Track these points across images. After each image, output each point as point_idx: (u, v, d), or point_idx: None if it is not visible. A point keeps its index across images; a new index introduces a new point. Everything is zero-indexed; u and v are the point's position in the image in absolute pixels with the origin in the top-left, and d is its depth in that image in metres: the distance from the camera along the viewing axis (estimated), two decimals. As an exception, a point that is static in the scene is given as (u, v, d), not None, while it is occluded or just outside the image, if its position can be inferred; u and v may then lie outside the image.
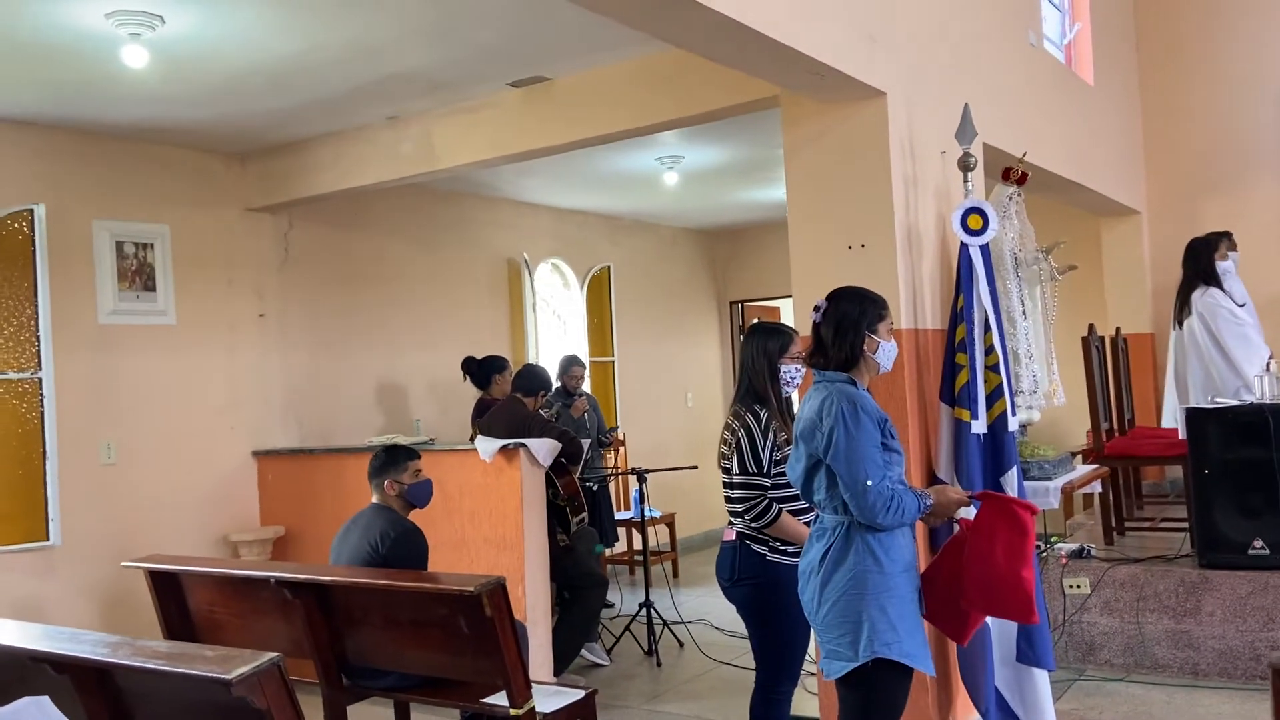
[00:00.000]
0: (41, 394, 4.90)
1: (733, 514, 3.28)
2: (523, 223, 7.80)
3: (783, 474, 3.15)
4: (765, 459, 3.18)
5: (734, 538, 3.34)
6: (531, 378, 5.60)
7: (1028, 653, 3.61)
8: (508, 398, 5.57)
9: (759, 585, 3.27)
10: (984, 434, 3.57)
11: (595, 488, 6.20)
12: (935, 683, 3.62)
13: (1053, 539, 5.27)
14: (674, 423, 9.11)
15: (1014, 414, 3.61)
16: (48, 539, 4.90)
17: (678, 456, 8.15)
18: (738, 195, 8.00)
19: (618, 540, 7.06)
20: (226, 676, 2.43)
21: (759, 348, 3.28)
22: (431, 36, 4.16)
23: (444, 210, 7.14)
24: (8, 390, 4.82)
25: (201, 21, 3.82)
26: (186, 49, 4.06)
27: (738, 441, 3.22)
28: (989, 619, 3.53)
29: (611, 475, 7.43)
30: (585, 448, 5.63)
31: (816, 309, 2.85)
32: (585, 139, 4.79)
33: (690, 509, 8.51)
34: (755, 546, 3.26)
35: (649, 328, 8.96)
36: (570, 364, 6.57)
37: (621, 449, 7.97)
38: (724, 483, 3.33)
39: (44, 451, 4.90)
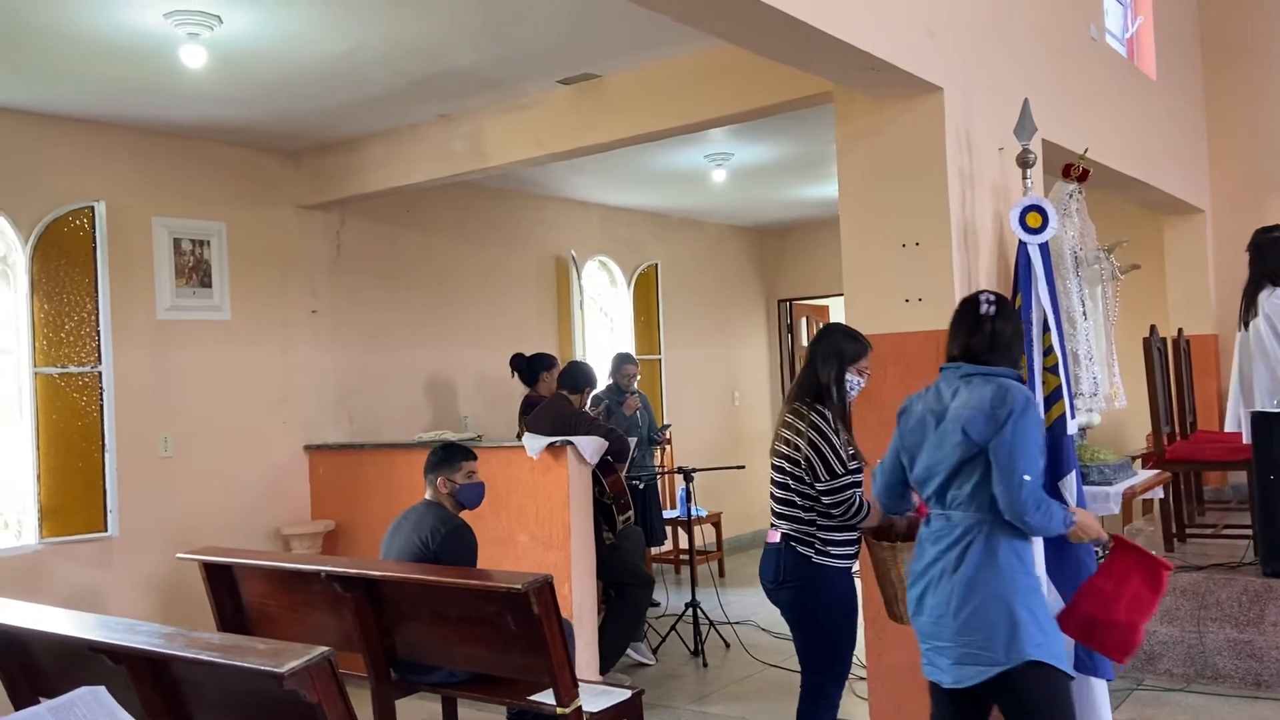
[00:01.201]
0: (101, 388, 5.00)
1: (818, 515, 3.23)
2: (571, 220, 7.81)
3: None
4: (845, 456, 3.19)
5: (779, 539, 3.32)
6: (577, 375, 5.59)
7: (1086, 662, 3.50)
8: (554, 395, 5.58)
9: (803, 587, 3.25)
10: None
11: (643, 486, 6.17)
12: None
13: (1110, 545, 5.14)
14: (720, 421, 9.07)
15: (1073, 417, 3.51)
16: (106, 530, 5.00)
17: (724, 455, 8.10)
18: (786, 192, 7.93)
19: (665, 539, 7.04)
20: (278, 670, 2.44)
21: (834, 348, 3.28)
22: (482, 35, 4.17)
23: (492, 208, 7.16)
24: (69, 384, 4.93)
25: (258, 21, 3.87)
26: (242, 48, 4.11)
27: (816, 447, 3.18)
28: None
29: (659, 474, 7.41)
30: (632, 446, 5.61)
31: (988, 301, 2.77)
32: (635, 136, 4.76)
33: (736, 508, 8.46)
34: (800, 548, 3.25)
35: (696, 326, 8.92)
36: (623, 361, 6.55)
37: (668, 448, 7.95)
38: (777, 482, 3.29)
39: (103, 444, 5.00)
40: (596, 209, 8.04)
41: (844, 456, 3.20)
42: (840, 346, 3.27)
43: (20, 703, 3.43)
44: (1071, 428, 3.52)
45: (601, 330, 8.19)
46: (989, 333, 2.75)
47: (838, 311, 11.71)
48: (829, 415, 3.22)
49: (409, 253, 6.58)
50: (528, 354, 6.29)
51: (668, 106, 4.59)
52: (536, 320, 7.46)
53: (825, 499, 3.19)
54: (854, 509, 3.19)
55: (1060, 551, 3.50)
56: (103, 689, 2.54)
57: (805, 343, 10.12)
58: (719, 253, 9.34)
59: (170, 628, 3.05)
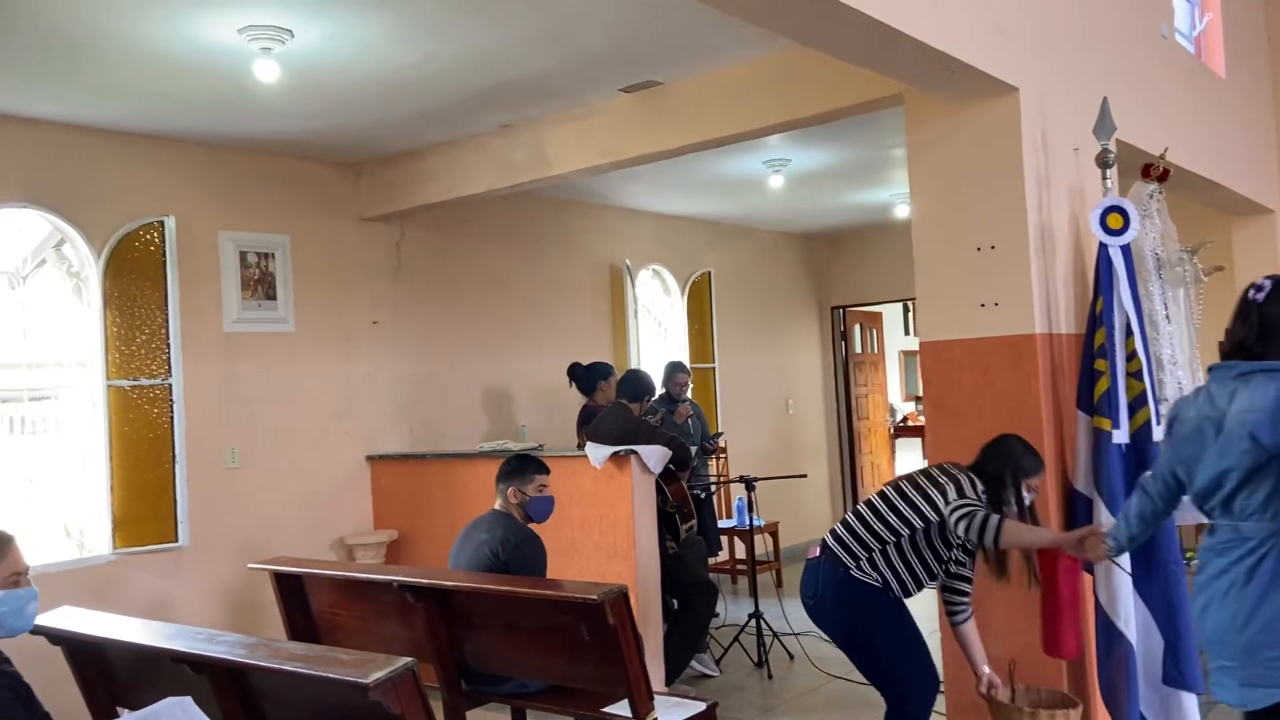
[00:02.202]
0: (172, 399, 5.07)
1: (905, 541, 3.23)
2: (624, 229, 7.81)
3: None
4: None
5: (818, 554, 3.31)
6: (636, 383, 5.58)
7: (1175, 675, 3.41)
8: (614, 403, 5.56)
9: (840, 600, 3.23)
10: (1126, 444, 3.39)
11: (704, 495, 6.13)
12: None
13: (1188, 554, 5.00)
14: (775, 430, 9.00)
15: (1158, 423, 3.41)
16: (177, 540, 5.06)
17: (779, 465, 8.03)
18: (842, 198, 7.86)
19: (721, 549, 6.98)
20: (363, 680, 2.44)
21: (1015, 464, 3.18)
22: (545, 44, 4.17)
23: (547, 217, 7.18)
24: (140, 396, 5.00)
25: (327, 35, 3.90)
26: (310, 62, 4.15)
27: (956, 481, 3.17)
28: (1133, 640, 3.37)
29: (718, 483, 7.36)
30: (693, 454, 5.58)
31: (1258, 288, 2.51)
32: (697, 143, 4.74)
33: (792, 518, 8.38)
34: (838, 567, 3.22)
35: (749, 334, 8.87)
36: (675, 370, 6.52)
37: (723, 456, 7.90)
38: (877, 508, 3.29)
39: (173, 456, 5.07)
40: (649, 217, 8.03)
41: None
42: (1020, 464, 3.19)
43: (99, 712, 3.47)
44: (1157, 434, 3.43)
45: (655, 339, 8.17)
46: (1257, 322, 2.46)
47: (892, 318, 11.60)
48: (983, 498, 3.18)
49: (466, 263, 6.61)
50: (583, 363, 6.28)
51: (730, 113, 4.56)
52: (591, 329, 7.45)
53: (957, 513, 3.09)
54: (978, 522, 3.05)
55: (1148, 565, 3.41)
56: (189, 699, 2.56)
57: (859, 350, 10.03)
58: (772, 260, 9.28)
59: (251, 638, 3.07)
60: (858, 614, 3.23)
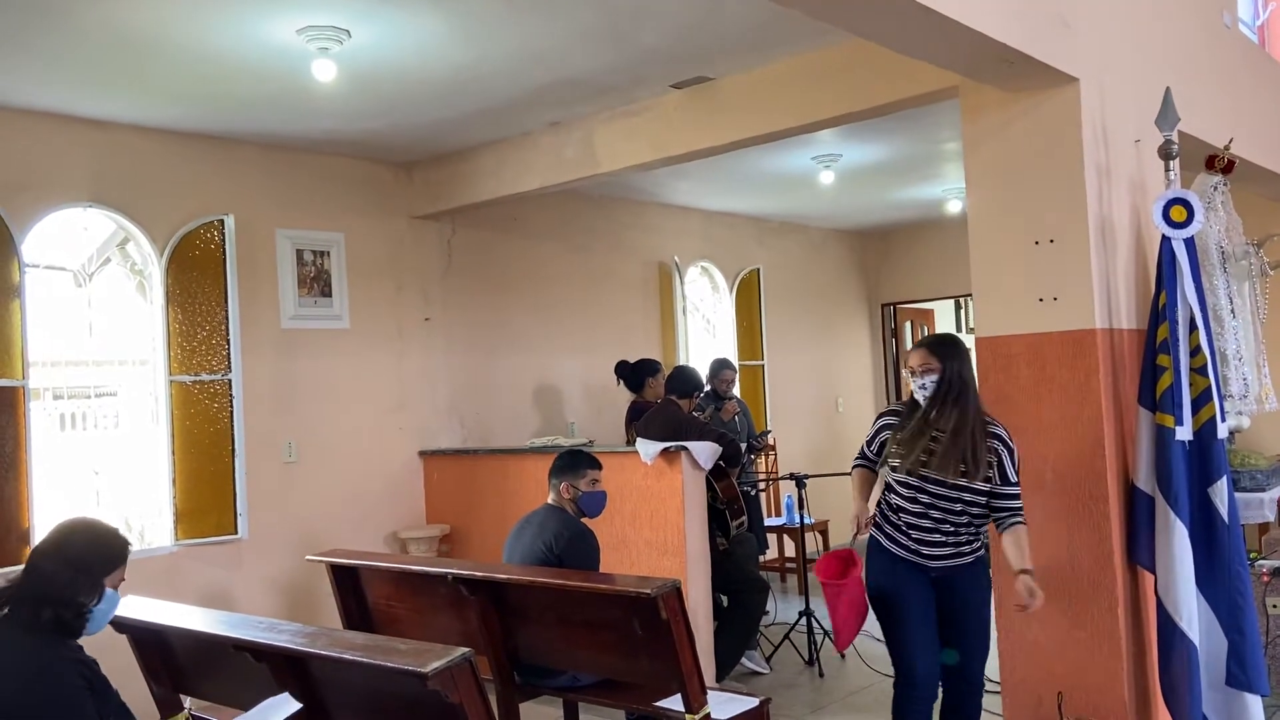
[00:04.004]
0: (231, 394, 5.17)
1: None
2: (672, 226, 7.81)
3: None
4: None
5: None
6: (685, 379, 5.58)
7: (1239, 676, 3.34)
8: (663, 400, 5.56)
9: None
10: (1190, 441, 3.32)
11: (753, 493, 6.11)
12: (1134, 707, 3.39)
13: (1251, 554, 4.89)
14: (824, 429, 8.94)
15: (1223, 420, 3.34)
16: (236, 533, 5.16)
17: (828, 463, 7.97)
18: (892, 194, 7.79)
19: (768, 547, 6.95)
20: (422, 670, 2.47)
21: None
22: (597, 40, 4.18)
23: (596, 215, 7.20)
24: (202, 391, 5.11)
25: (383, 34, 3.95)
26: (366, 62, 4.21)
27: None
28: (1195, 641, 3.30)
29: (767, 481, 7.33)
30: (742, 451, 5.56)
31: None
32: (748, 138, 4.72)
33: (842, 517, 8.28)
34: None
35: (798, 331, 8.82)
36: (721, 367, 6.51)
37: (771, 454, 7.86)
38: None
39: (233, 450, 5.17)
40: (698, 214, 8.02)
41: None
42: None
43: (162, 698, 3.55)
44: (1221, 431, 3.36)
45: (704, 336, 8.16)
46: None
47: (944, 314, 11.45)
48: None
49: (516, 260, 6.66)
50: (631, 361, 6.30)
51: (781, 107, 4.54)
52: (640, 326, 7.46)
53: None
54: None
55: (1211, 564, 3.33)
56: (286, 695, 2.64)
57: (909, 346, 9.92)
58: (821, 257, 9.22)
59: (312, 627, 3.12)
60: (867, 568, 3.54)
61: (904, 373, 3.25)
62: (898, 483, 3.38)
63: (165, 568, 4.95)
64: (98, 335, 5.03)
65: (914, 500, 3.33)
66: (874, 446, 3.52)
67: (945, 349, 3.35)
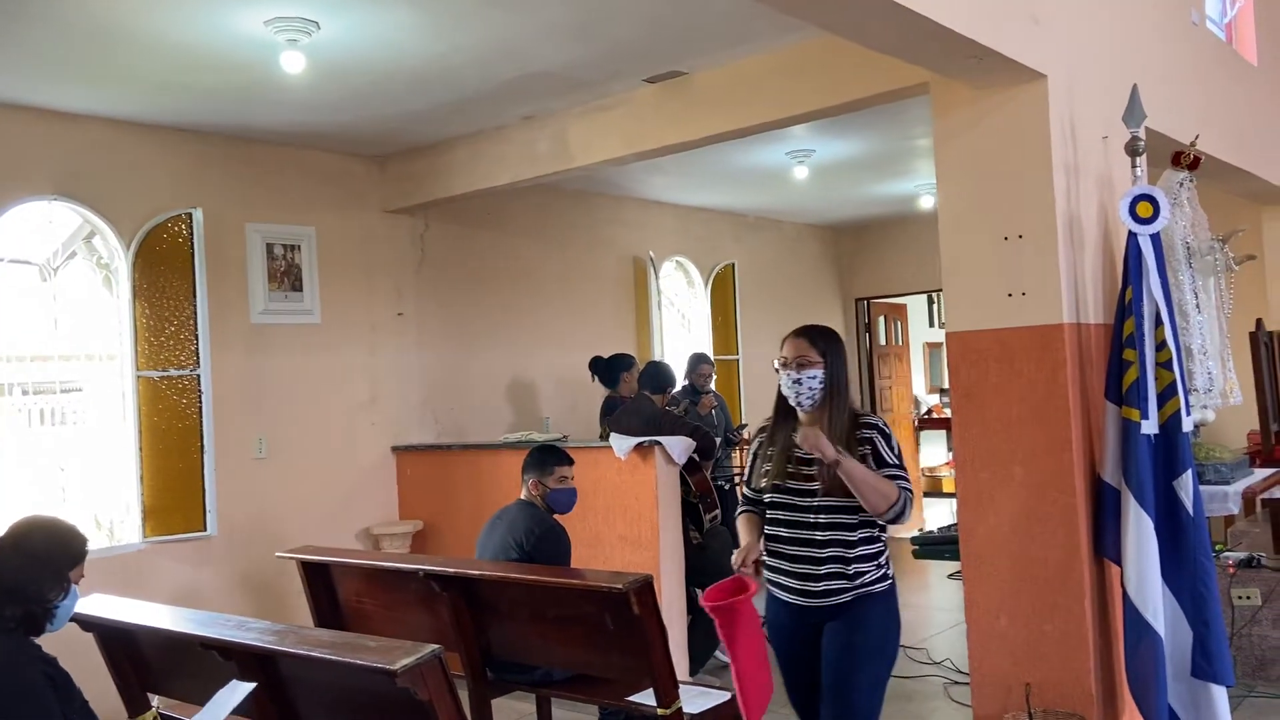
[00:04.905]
0: (200, 390, 5.12)
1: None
2: (648, 221, 7.80)
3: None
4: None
5: None
6: (658, 374, 5.59)
7: (1204, 667, 3.38)
8: (636, 395, 5.57)
9: None
10: (1155, 434, 3.36)
11: (727, 487, 6.13)
12: (1101, 699, 3.43)
13: (1217, 547, 4.96)
14: (799, 422, 8.95)
15: (1188, 413, 3.38)
16: (205, 529, 5.12)
17: (804, 456, 8.01)
18: (866, 189, 7.82)
19: (745, 541, 6.95)
20: (390, 667, 2.46)
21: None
22: (570, 34, 4.17)
23: (571, 209, 7.18)
24: (170, 386, 5.06)
25: (353, 26, 3.92)
26: (336, 53, 4.17)
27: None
28: (1162, 633, 3.34)
29: (741, 475, 7.34)
30: (716, 445, 5.57)
31: None
32: (721, 133, 4.73)
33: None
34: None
35: (773, 326, 8.81)
36: (698, 361, 6.52)
37: (747, 448, 7.88)
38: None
39: (202, 446, 5.12)
40: (673, 209, 8.02)
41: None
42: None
43: (130, 697, 3.51)
44: (1186, 425, 3.39)
45: (679, 331, 8.16)
46: None
47: (916, 309, 11.52)
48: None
49: (490, 255, 6.63)
50: (606, 356, 6.29)
51: (754, 103, 4.54)
52: (615, 321, 7.46)
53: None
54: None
55: (1176, 556, 3.37)
56: (248, 684, 2.62)
57: (883, 342, 9.98)
58: (796, 252, 9.25)
59: (281, 625, 3.10)
60: None
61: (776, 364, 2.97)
62: (770, 505, 2.95)
63: (134, 565, 4.90)
64: (63, 330, 4.96)
65: (785, 522, 2.90)
66: (754, 481, 3.03)
67: (828, 340, 2.94)
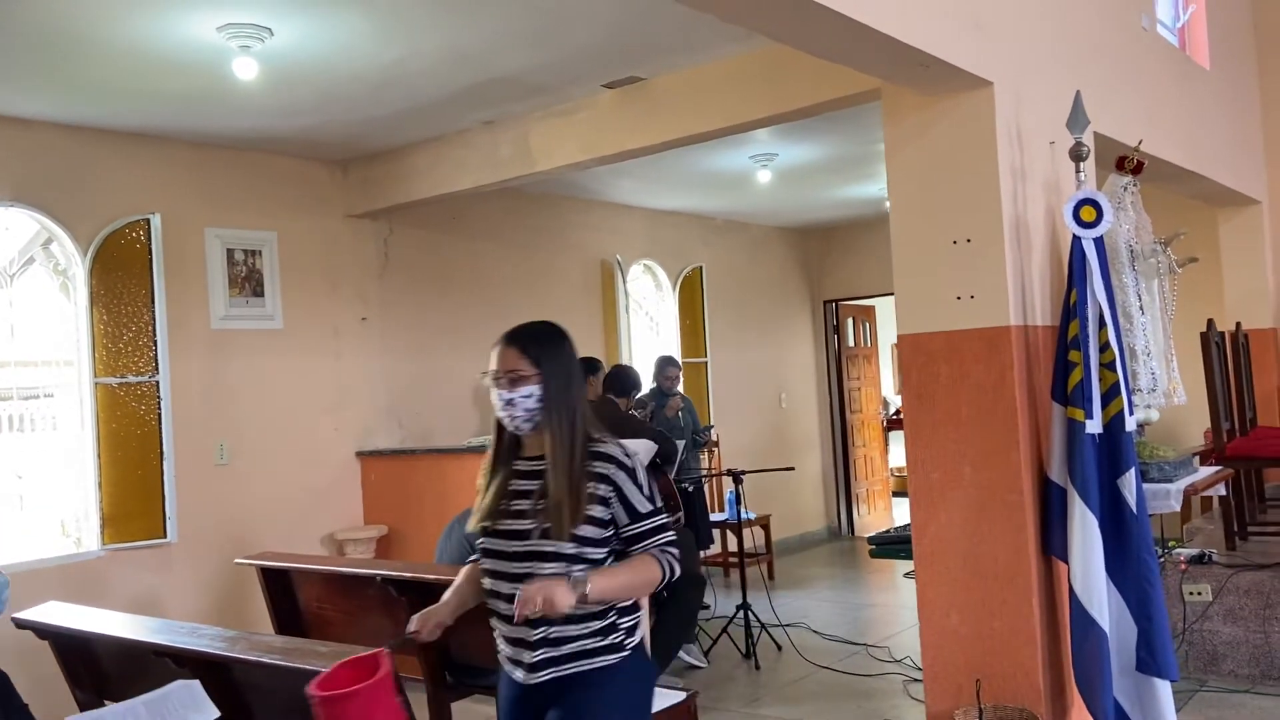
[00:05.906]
0: (159, 397, 5.10)
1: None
2: (615, 224, 7.83)
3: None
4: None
5: None
6: (622, 378, 5.62)
7: (1149, 662, 3.44)
8: (599, 398, 5.59)
9: None
10: (1099, 434, 3.42)
11: (691, 489, 6.17)
12: (1050, 694, 3.49)
13: (1170, 544, 5.05)
14: (767, 424, 9.03)
15: (1131, 413, 3.44)
16: (165, 536, 5.09)
17: (771, 458, 8.07)
18: (831, 192, 7.89)
19: (713, 542, 7.01)
20: (339, 671, 2.48)
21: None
22: (528, 40, 4.20)
23: (538, 213, 7.20)
24: (128, 393, 5.03)
25: (307, 32, 3.93)
26: (292, 59, 4.17)
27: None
28: (1106, 627, 3.40)
29: (707, 476, 7.39)
30: (680, 449, 5.61)
31: None
32: (681, 138, 4.77)
33: (785, 511, 8.42)
34: None
35: (741, 328, 8.89)
36: (666, 364, 6.56)
37: (715, 450, 7.93)
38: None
39: (161, 453, 5.09)
40: (641, 213, 8.06)
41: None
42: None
43: (86, 706, 3.51)
44: (1130, 424, 3.46)
45: (647, 334, 8.20)
46: None
47: (884, 311, 11.60)
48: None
49: (455, 259, 6.63)
50: (572, 359, 6.30)
51: (713, 108, 4.59)
52: (583, 325, 7.47)
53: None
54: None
55: (1121, 552, 3.43)
56: (196, 683, 2.62)
57: (851, 343, 10.05)
58: (764, 254, 9.31)
59: (232, 631, 3.11)
60: None
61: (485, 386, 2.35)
62: (483, 552, 2.28)
63: (93, 573, 4.87)
64: (21, 337, 4.93)
65: (495, 573, 2.23)
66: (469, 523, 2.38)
67: (544, 344, 2.31)
